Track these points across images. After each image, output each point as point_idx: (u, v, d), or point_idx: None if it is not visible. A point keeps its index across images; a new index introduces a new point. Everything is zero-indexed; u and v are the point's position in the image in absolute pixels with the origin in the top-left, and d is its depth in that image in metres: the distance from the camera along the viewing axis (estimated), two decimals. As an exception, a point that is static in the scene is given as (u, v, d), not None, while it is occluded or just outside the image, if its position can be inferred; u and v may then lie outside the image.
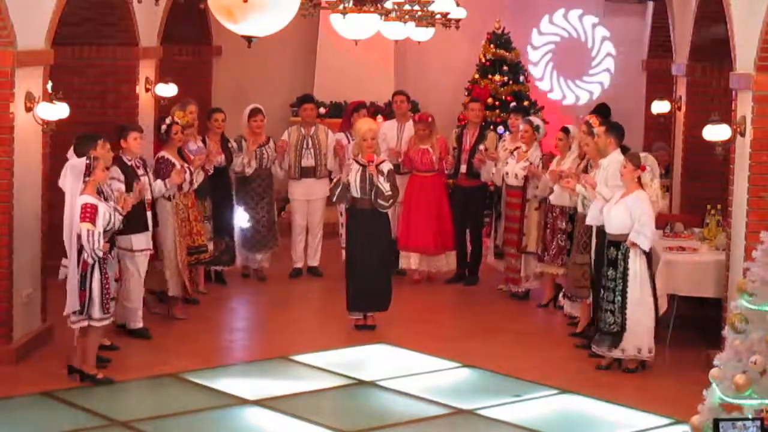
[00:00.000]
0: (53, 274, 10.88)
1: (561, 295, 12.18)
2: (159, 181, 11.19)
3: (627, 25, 17.56)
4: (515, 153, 12.78)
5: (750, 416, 6.68)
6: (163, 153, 11.54)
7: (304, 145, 13.50)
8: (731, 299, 7.78)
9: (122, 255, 10.59)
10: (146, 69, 13.77)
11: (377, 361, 10.88)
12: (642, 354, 10.41)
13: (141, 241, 10.78)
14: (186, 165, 11.51)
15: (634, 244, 10.24)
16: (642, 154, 10.58)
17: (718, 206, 11.78)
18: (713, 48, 13.33)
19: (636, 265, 10.30)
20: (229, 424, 9.17)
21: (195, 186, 11.72)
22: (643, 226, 10.21)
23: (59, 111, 10.46)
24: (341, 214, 13.47)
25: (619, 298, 10.34)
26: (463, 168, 13.45)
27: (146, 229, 10.80)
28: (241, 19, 6.26)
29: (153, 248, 11.03)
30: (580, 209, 11.18)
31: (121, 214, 9.73)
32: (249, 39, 6.43)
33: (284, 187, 13.96)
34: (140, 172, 10.83)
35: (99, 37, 13.23)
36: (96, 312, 9.51)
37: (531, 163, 12.51)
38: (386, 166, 11.53)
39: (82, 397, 9.43)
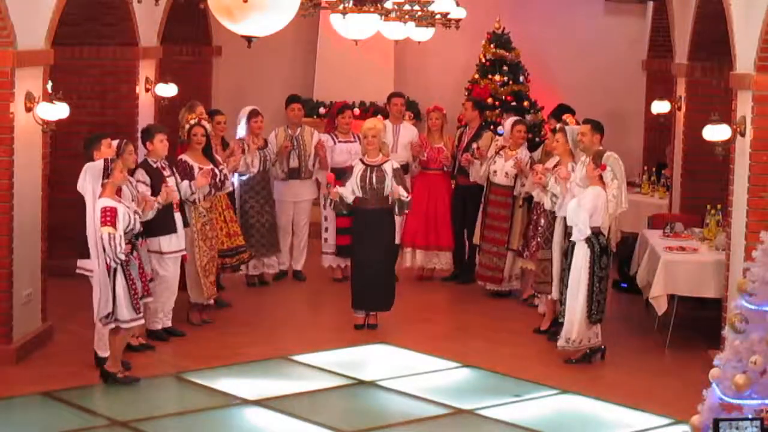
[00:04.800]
0: (53, 274, 10.91)
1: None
2: (185, 182, 11.08)
3: (627, 25, 17.56)
4: (502, 152, 12.83)
5: (750, 416, 6.68)
6: (183, 156, 11.41)
7: (291, 146, 13.47)
8: (731, 299, 7.78)
9: (151, 257, 10.54)
10: (146, 69, 13.77)
11: (377, 361, 10.88)
12: (570, 345, 10.53)
13: (170, 243, 10.70)
14: (211, 168, 11.39)
15: (585, 238, 10.43)
16: (606, 154, 10.69)
17: (718, 206, 11.79)
18: (713, 48, 13.33)
19: (578, 258, 10.44)
20: (229, 424, 9.17)
21: (227, 189, 11.63)
22: (578, 219, 10.38)
23: (59, 111, 10.46)
24: (325, 219, 13.55)
25: (565, 289, 10.59)
26: (456, 165, 13.71)
27: (175, 230, 10.70)
28: (241, 19, 6.25)
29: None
30: (547, 206, 11.28)
31: (140, 217, 9.71)
32: (249, 39, 6.42)
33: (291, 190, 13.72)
34: (166, 173, 10.76)
35: (99, 37, 13.23)
36: (124, 314, 9.51)
37: (519, 159, 12.56)
38: (389, 166, 11.52)
39: (82, 397, 9.44)
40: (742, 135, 10.12)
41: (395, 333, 11.56)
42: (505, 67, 16.40)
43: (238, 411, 9.36)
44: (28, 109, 10.28)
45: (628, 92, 17.18)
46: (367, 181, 11.39)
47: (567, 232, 10.78)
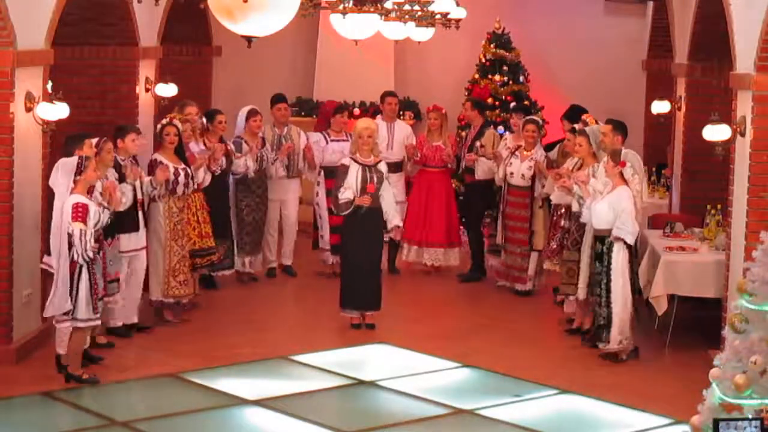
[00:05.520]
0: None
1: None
2: (147, 178, 11.05)
3: (627, 25, 17.56)
4: (518, 153, 12.83)
5: (750, 416, 6.67)
6: (155, 155, 11.43)
7: (293, 146, 13.46)
8: (731, 299, 7.78)
9: (121, 257, 10.60)
10: (146, 69, 13.77)
11: (377, 361, 10.88)
12: (623, 344, 10.61)
13: (129, 242, 10.75)
14: (183, 167, 11.39)
15: (618, 239, 10.49)
16: (624, 151, 10.70)
17: (718, 206, 11.78)
18: (713, 48, 13.33)
19: (618, 259, 10.50)
20: (229, 424, 9.17)
21: (191, 189, 11.52)
22: (624, 222, 10.43)
23: (59, 111, 10.46)
24: (320, 216, 13.56)
25: (605, 291, 10.58)
26: (463, 164, 13.81)
27: (135, 229, 10.77)
28: (241, 19, 6.27)
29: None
30: (575, 208, 11.26)
31: (107, 208, 9.69)
32: (249, 39, 6.43)
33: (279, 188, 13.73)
34: None
35: (99, 37, 13.23)
36: (81, 313, 9.48)
37: (537, 161, 12.59)
38: (384, 167, 11.53)
39: (82, 397, 9.44)
40: (742, 135, 10.11)
41: (395, 333, 11.56)
42: (505, 67, 16.42)
43: (237, 411, 9.36)
44: (28, 109, 10.28)
45: (628, 92, 17.19)
46: (368, 181, 11.38)
47: (595, 236, 10.74)
